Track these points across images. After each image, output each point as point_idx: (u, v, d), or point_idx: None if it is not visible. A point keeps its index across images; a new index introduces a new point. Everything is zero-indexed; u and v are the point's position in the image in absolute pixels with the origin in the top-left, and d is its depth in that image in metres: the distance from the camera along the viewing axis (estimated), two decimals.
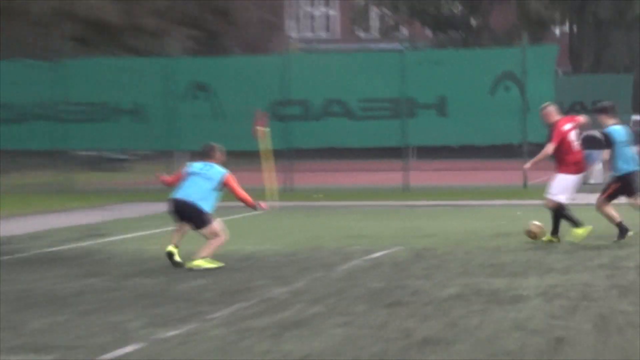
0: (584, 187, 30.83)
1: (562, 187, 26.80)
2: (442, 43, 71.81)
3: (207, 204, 23.35)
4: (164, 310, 18.01)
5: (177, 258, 23.09)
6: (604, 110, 27.98)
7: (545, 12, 71.42)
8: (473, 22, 76.06)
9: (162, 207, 25.80)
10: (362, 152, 41.71)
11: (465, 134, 46.40)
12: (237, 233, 29.53)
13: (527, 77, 43.63)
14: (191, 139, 47.67)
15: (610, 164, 27.65)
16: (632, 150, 27.32)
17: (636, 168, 26.91)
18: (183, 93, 47.01)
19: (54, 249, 27.00)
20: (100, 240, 25.50)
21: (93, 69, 49.72)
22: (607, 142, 27.25)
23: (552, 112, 28.38)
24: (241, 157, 43.93)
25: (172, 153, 49.49)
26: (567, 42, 73.75)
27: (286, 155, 43.09)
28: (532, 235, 27.19)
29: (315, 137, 39.97)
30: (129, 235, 24.42)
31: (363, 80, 45.74)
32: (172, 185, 24.32)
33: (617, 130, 27.45)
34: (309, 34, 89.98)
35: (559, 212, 26.53)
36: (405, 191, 40.66)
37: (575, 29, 75.88)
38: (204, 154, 24.44)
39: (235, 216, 33.75)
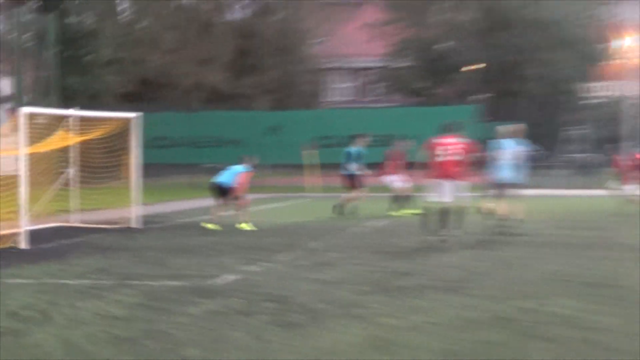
0: None
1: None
2: (412, 104, 71.36)
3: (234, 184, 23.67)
4: (252, 255, 18.00)
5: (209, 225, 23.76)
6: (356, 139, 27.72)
7: (471, 87, 71.08)
8: (430, 92, 75.60)
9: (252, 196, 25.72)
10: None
11: (424, 154, 46.41)
12: (294, 211, 29.49)
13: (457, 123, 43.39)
14: (269, 157, 47.85)
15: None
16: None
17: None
18: (264, 131, 47.10)
19: (186, 220, 26.97)
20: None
21: (212, 117, 49.83)
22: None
23: None
24: (294, 167, 44.00)
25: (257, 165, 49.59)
26: (483, 104, 73.43)
27: (323, 166, 43.35)
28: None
29: (337, 156, 39.88)
30: (230, 212, 24.38)
31: (369, 124, 45.79)
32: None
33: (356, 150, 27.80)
34: (337, 98, 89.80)
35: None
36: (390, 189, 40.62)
37: (488, 96, 75.50)
38: (239, 160, 24.47)
39: (294, 201, 33.68)
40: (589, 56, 75.57)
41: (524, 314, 11.46)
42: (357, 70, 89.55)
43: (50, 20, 42.17)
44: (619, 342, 9.87)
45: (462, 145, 19.96)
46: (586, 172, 46.81)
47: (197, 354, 9.45)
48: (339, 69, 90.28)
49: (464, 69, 71.95)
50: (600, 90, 79.10)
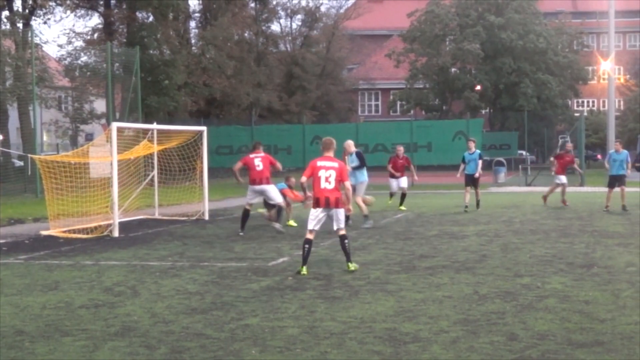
0: None
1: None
2: (429, 117, 71.17)
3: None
4: (299, 241, 17.88)
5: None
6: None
7: (477, 103, 70.72)
8: (444, 108, 75.23)
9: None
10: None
11: (439, 159, 46.15)
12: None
13: (469, 133, 43.18)
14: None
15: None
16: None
17: None
18: (309, 140, 47.12)
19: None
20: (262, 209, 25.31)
21: (267, 129, 49.93)
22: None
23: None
24: None
25: (303, 168, 49.51)
26: (487, 117, 72.96)
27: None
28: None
29: (370, 161, 39.78)
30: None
31: (394, 134, 45.64)
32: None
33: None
34: (367, 113, 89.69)
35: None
36: (413, 187, 40.49)
37: (491, 110, 75.00)
38: (285, 179, 22.40)
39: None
40: (575, 77, 75.31)
41: (524, 289, 11.36)
42: (383, 91, 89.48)
43: (135, 53, 42.41)
44: (604, 312, 9.75)
45: (264, 158, 19.81)
46: (572, 172, 46.46)
47: (257, 322, 9.43)
48: (368, 89, 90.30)
49: (470, 88, 71.75)
50: (584, 105, 78.76)
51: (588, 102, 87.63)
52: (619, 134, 51.74)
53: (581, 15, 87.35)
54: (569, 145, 30.58)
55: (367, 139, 45.94)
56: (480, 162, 26.51)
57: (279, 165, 20.33)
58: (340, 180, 13.24)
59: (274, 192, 20.20)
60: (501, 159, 50.33)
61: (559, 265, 13.57)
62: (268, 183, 19.98)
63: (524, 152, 63.39)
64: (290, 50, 74.11)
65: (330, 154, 13.54)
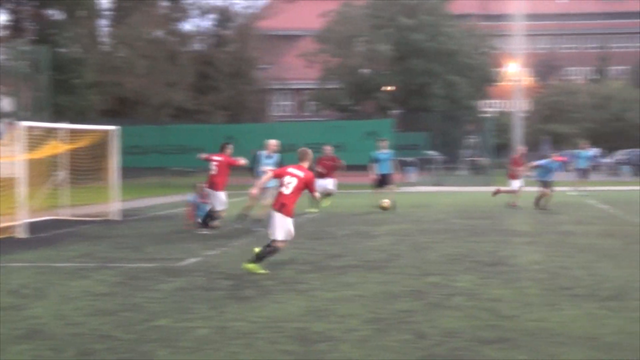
0: None
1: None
2: (341, 117, 71.38)
3: None
4: (212, 242, 17.86)
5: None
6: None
7: (388, 104, 71.30)
8: (355, 108, 75.57)
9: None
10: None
11: (352, 159, 46.07)
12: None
13: (380, 134, 43.24)
14: None
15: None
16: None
17: None
18: (220, 140, 46.80)
19: (157, 213, 26.69)
20: (181, 209, 25.10)
21: (178, 129, 49.42)
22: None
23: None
24: (246, 169, 43.67)
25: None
26: (398, 117, 73.59)
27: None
28: (384, 208, 24.79)
29: (285, 161, 39.44)
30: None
31: (306, 134, 45.62)
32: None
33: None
34: (280, 113, 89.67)
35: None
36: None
37: (402, 111, 75.64)
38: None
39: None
40: (483, 79, 76.45)
41: (433, 287, 11.50)
42: (295, 91, 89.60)
43: (44, 50, 41.76)
44: (510, 309, 9.93)
45: (220, 164, 20.47)
46: (481, 172, 47.14)
47: (167, 323, 9.35)
48: (281, 89, 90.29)
49: (382, 89, 72.25)
50: (492, 106, 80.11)
51: (497, 103, 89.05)
52: (525, 134, 52.69)
53: (492, 17, 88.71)
54: (521, 149, 30.56)
55: (280, 139, 45.71)
56: (392, 162, 26.70)
57: (239, 161, 20.68)
58: (299, 189, 13.14)
59: (219, 198, 20.42)
60: (411, 159, 50.84)
61: (467, 264, 13.78)
62: (217, 189, 20.30)
63: (433, 152, 64.18)
64: (203, 50, 73.72)
65: (304, 164, 13.48)
